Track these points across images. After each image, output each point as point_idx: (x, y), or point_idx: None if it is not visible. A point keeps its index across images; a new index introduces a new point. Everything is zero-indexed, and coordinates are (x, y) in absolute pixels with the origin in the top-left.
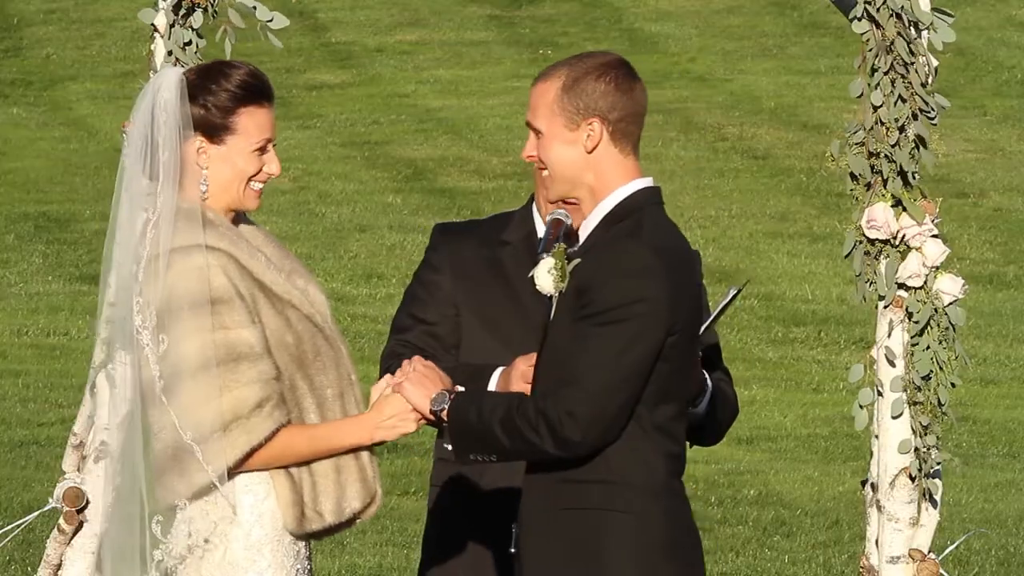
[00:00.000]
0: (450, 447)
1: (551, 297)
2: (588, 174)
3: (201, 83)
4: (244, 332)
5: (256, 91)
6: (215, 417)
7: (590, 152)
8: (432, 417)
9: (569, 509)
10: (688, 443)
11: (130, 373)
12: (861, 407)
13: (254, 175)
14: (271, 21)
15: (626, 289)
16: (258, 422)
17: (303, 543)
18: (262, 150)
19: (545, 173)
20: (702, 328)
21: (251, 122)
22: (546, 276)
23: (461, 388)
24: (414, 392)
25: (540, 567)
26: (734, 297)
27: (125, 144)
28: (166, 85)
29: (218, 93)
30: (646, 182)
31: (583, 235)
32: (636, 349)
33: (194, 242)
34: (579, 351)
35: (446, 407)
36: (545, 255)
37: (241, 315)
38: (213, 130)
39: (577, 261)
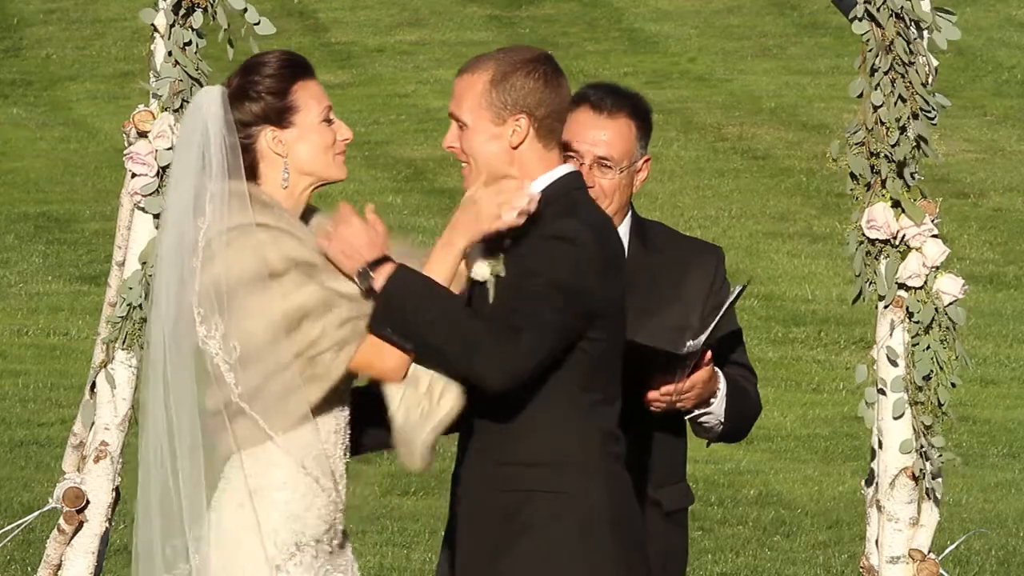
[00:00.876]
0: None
1: (485, 283)
2: (512, 167)
3: (245, 81)
4: (298, 296)
5: (298, 65)
6: (284, 392)
7: (515, 147)
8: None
9: (507, 491)
10: (708, 442)
11: (182, 364)
12: (868, 405)
13: (331, 146)
14: (258, 24)
15: (558, 250)
16: (337, 363)
17: (339, 543)
18: (328, 121)
19: (465, 165)
20: (709, 327)
21: (307, 95)
22: (482, 263)
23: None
24: (340, 243)
25: (479, 551)
26: (738, 295)
27: (173, 159)
28: (209, 99)
29: (265, 80)
30: (568, 168)
31: None
32: (561, 297)
33: (247, 221)
34: (516, 299)
35: (372, 279)
36: None
37: (298, 278)
38: (278, 115)
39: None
